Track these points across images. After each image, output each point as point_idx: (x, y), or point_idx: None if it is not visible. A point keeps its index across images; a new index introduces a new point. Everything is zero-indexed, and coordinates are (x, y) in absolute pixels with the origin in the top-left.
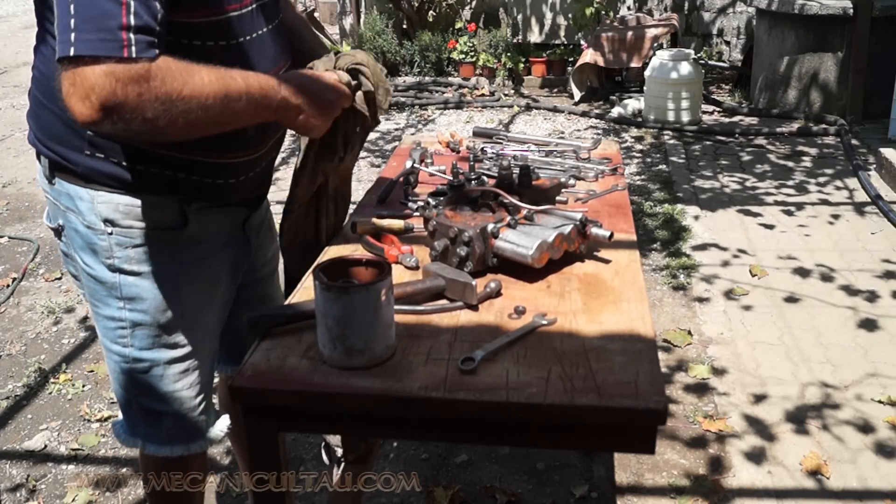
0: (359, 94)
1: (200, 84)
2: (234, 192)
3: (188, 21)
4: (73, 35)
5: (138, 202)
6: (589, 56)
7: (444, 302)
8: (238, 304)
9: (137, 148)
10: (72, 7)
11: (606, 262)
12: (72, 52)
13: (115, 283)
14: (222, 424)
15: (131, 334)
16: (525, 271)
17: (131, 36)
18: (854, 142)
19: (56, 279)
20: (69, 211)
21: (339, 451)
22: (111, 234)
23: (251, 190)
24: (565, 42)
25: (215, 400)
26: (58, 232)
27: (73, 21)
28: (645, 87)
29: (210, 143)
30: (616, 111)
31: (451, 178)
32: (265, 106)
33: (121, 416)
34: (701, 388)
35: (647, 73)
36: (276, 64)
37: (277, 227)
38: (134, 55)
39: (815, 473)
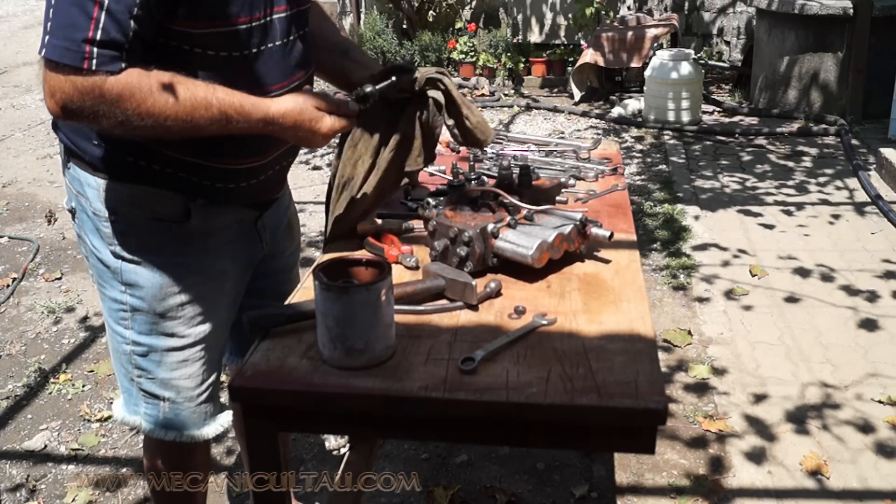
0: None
1: (163, 104)
2: (240, 196)
3: (192, 31)
4: (47, 38)
5: (141, 193)
6: (589, 56)
7: (444, 302)
8: (249, 296)
9: (144, 145)
10: (51, 11)
11: (606, 262)
12: (42, 53)
13: (117, 269)
14: (224, 419)
15: (132, 318)
16: (525, 271)
17: (94, 49)
18: (854, 142)
19: (56, 279)
20: (80, 195)
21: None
22: (114, 222)
23: (258, 195)
24: (565, 42)
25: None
26: (72, 214)
27: (49, 24)
28: (645, 87)
29: (214, 149)
30: (616, 111)
31: (451, 178)
32: (244, 124)
33: (121, 395)
34: (701, 388)
35: (647, 73)
36: (287, 77)
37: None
38: (94, 68)
39: (815, 473)
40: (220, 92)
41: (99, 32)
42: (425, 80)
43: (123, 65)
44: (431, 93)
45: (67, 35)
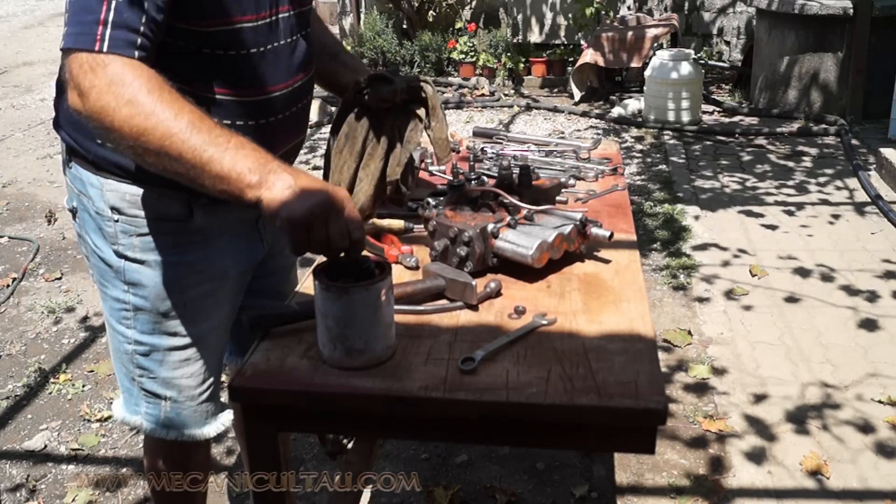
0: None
1: (150, 105)
2: None
3: (199, 30)
4: (65, 29)
5: (144, 192)
6: (589, 56)
7: (444, 302)
8: (249, 296)
9: None
10: (68, 2)
11: (606, 262)
12: (61, 45)
13: (120, 268)
14: (224, 418)
15: (134, 317)
16: (525, 271)
17: (106, 31)
18: (854, 142)
19: (56, 279)
20: (82, 195)
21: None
22: (117, 221)
23: None
24: (565, 42)
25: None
26: (73, 213)
27: (67, 16)
28: (645, 87)
29: None
30: (616, 111)
31: (451, 178)
32: (225, 179)
33: (121, 395)
34: (701, 388)
35: (647, 73)
36: (290, 76)
37: None
38: (105, 49)
39: (815, 473)
40: (235, 137)
41: (112, 13)
42: (407, 89)
43: (136, 53)
44: (416, 110)
45: (81, 20)
